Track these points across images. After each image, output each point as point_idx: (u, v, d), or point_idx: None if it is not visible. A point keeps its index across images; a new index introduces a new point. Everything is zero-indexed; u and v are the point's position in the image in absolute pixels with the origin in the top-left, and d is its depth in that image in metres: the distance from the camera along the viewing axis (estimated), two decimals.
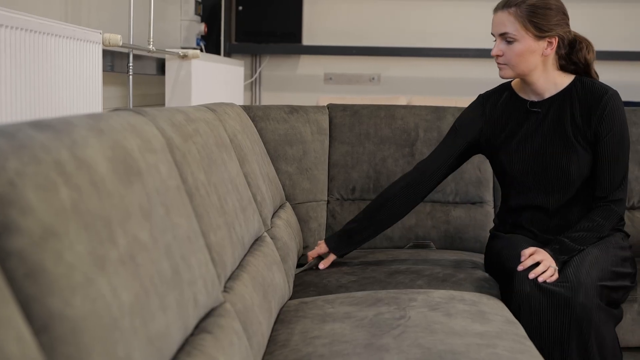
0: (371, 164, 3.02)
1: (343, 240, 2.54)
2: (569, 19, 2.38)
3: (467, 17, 5.32)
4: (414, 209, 2.58)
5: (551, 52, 2.36)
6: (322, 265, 2.53)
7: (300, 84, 5.58)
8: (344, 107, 3.13)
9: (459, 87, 5.35)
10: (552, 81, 2.42)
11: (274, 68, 5.58)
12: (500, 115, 2.48)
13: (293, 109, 3.06)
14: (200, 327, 1.25)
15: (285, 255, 2.27)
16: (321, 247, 2.55)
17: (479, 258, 2.69)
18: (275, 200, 2.54)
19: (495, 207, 3.03)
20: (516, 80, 2.49)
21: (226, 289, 1.52)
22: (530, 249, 2.28)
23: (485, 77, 5.35)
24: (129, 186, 1.06)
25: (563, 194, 2.42)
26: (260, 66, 5.55)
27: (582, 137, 2.38)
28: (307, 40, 5.44)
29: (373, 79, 5.59)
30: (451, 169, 2.55)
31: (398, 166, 3.01)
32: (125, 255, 0.97)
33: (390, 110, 3.10)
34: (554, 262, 2.25)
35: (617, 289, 2.28)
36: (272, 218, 2.40)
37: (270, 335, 1.80)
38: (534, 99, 2.45)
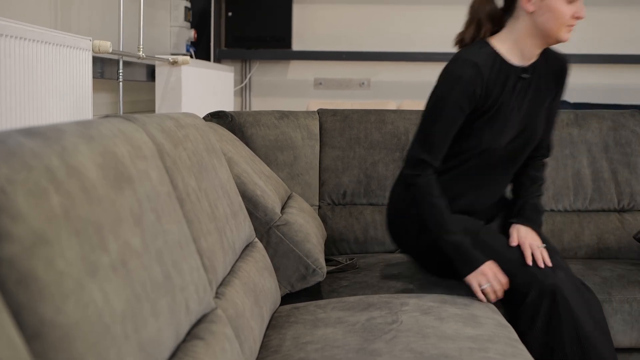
0: (362, 169, 3.02)
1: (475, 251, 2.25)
2: None
3: (455, 21, 5.32)
4: None
5: None
6: (493, 297, 2.20)
7: (290, 89, 5.58)
8: (334, 112, 3.13)
9: None
10: None
11: (264, 73, 5.58)
12: (494, 84, 2.24)
13: (283, 115, 3.06)
14: (192, 333, 1.25)
15: (305, 237, 2.28)
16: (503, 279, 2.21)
17: None
18: (280, 192, 2.51)
19: None
20: (506, 45, 2.27)
21: (218, 295, 1.52)
22: (515, 239, 2.29)
23: None
24: (120, 192, 1.06)
25: (517, 167, 2.41)
26: (250, 72, 5.56)
27: (549, 103, 2.35)
28: (296, 45, 5.45)
29: (363, 83, 5.59)
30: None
31: (389, 170, 3.01)
32: (116, 262, 0.97)
33: (380, 115, 3.11)
34: (539, 239, 2.28)
35: None
36: (283, 209, 2.39)
37: (262, 341, 1.80)
38: (524, 64, 2.28)
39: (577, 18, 2.18)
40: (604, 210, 3.05)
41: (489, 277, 2.17)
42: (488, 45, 2.28)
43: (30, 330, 0.78)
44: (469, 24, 2.31)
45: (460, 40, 2.34)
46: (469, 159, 2.32)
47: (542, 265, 2.21)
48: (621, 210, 3.04)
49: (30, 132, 0.93)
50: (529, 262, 2.23)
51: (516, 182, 2.46)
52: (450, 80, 2.24)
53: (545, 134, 2.41)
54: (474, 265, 2.19)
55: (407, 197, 2.31)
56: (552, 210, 3.03)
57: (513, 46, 2.25)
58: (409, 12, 5.47)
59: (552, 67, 2.33)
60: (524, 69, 2.28)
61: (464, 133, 2.27)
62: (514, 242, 2.29)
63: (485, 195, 2.41)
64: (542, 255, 2.23)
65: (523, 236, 2.29)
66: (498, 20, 2.29)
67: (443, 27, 5.55)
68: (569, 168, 3.06)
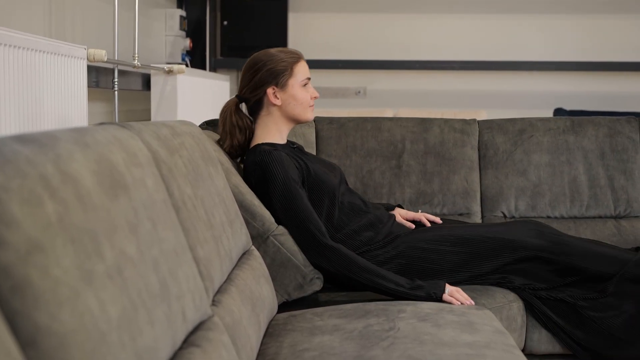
0: (358, 177, 3.02)
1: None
2: None
3: (451, 30, 5.35)
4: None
5: None
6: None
7: None
8: (331, 120, 3.13)
9: (445, 99, 5.37)
10: None
11: None
12: (296, 160, 2.51)
13: None
14: (189, 341, 1.24)
15: (294, 253, 2.29)
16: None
17: None
18: None
19: (482, 218, 3.03)
20: (272, 136, 2.55)
21: (214, 303, 1.52)
22: (407, 222, 2.71)
23: (470, 88, 5.38)
24: (115, 200, 1.05)
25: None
26: None
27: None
28: None
29: (359, 92, 5.60)
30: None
31: (385, 178, 3.01)
32: (112, 269, 0.96)
33: (376, 123, 3.11)
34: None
35: None
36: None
37: (260, 349, 1.79)
38: (284, 141, 2.59)
39: (315, 98, 2.58)
40: (600, 217, 3.06)
41: (457, 300, 2.25)
42: (265, 143, 2.53)
43: (26, 337, 0.78)
44: (224, 136, 2.55)
45: (229, 151, 2.56)
46: (332, 206, 2.50)
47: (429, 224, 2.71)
48: (617, 217, 3.04)
49: (25, 139, 0.93)
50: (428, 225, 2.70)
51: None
52: (277, 167, 2.42)
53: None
54: (437, 295, 2.26)
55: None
56: (548, 217, 3.03)
57: (276, 134, 2.57)
58: (405, 20, 5.48)
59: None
60: (290, 143, 2.64)
61: (313, 196, 2.49)
62: (409, 224, 2.68)
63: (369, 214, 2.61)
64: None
65: (409, 212, 2.76)
66: (248, 129, 2.57)
67: (438, 36, 5.57)
68: (565, 175, 3.07)
